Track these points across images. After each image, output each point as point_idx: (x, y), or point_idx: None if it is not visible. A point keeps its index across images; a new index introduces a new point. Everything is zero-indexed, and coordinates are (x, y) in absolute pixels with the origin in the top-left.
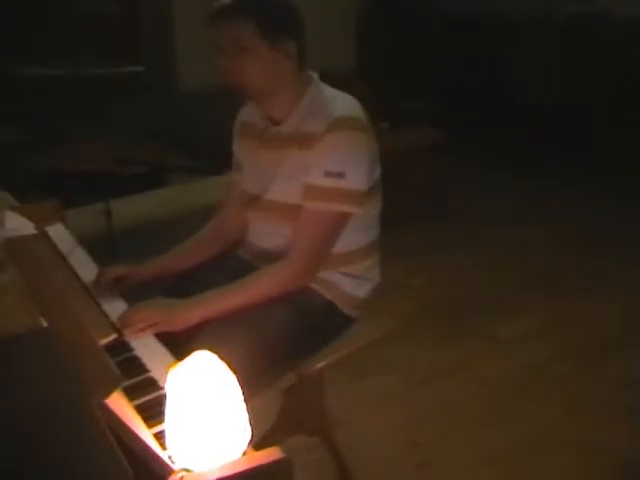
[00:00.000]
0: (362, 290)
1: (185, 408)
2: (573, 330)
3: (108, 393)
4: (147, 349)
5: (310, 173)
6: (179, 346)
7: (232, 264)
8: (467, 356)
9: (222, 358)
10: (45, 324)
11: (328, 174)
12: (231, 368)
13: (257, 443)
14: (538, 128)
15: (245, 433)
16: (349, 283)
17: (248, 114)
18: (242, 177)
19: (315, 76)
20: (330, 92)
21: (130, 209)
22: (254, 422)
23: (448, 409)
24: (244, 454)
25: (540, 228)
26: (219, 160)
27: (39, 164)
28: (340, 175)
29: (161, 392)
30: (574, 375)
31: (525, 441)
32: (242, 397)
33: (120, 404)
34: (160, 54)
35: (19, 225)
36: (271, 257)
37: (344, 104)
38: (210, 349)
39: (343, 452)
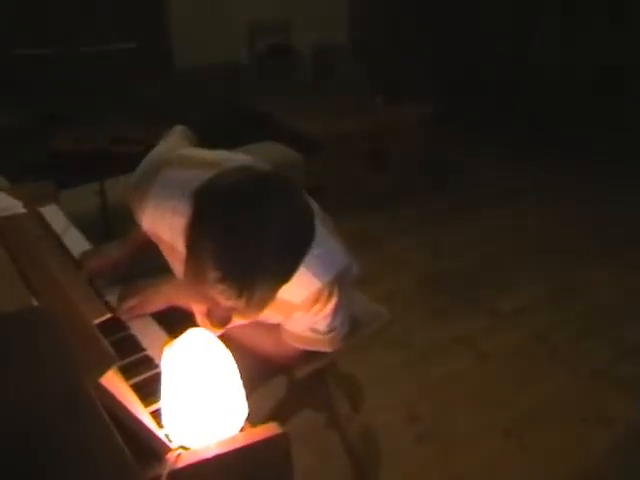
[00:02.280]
0: None
1: (181, 385)
2: (573, 302)
3: (102, 373)
4: (143, 327)
5: (293, 323)
6: (175, 324)
7: None
8: (468, 329)
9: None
10: (36, 304)
11: (315, 331)
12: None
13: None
14: (539, 105)
15: (242, 409)
16: None
17: (168, 234)
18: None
19: None
20: None
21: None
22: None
23: (448, 382)
24: (241, 430)
25: (540, 202)
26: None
27: (33, 146)
28: (329, 332)
29: (157, 370)
30: (574, 347)
31: (525, 413)
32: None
33: (116, 383)
34: (156, 32)
35: (8, 205)
36: None
37: (320, 261)
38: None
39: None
